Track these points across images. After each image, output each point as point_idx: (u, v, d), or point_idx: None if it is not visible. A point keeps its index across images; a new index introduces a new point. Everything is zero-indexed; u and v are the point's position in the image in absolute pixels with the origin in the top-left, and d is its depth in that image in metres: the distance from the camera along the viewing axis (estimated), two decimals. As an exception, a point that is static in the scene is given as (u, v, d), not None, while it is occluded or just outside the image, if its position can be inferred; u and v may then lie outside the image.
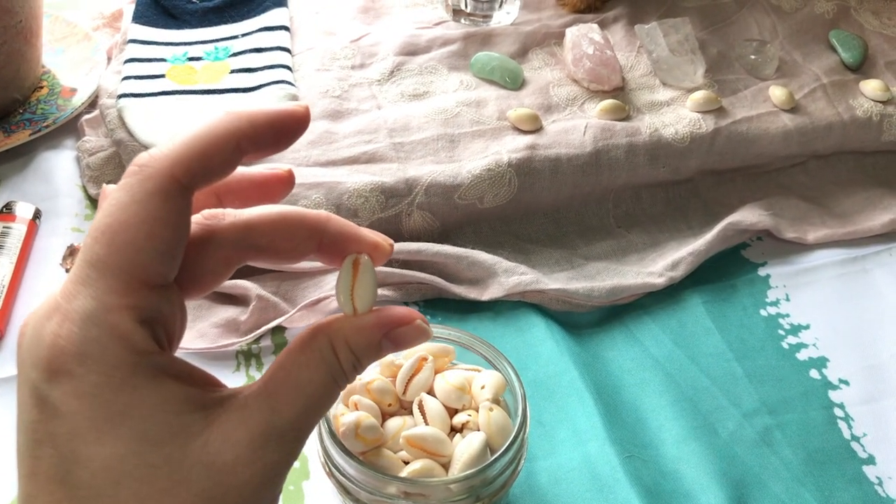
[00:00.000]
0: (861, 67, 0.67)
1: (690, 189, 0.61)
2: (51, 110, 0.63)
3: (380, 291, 0.50)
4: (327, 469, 0.37)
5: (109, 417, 0.22)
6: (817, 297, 0.54)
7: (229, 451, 0.23)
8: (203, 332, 0.49)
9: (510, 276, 0.52)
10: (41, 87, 0.65)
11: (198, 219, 0.26)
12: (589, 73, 0.62)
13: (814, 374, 0.49)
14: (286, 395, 0.25)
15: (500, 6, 0.69)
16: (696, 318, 0.52)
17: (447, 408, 0.38)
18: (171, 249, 0.24)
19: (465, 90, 0.62)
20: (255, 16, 0.68)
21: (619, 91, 0.63)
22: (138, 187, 0.23)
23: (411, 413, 0.38)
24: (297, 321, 0.50)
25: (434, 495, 0.35)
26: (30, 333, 0.23)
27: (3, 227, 0.53)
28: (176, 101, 0.60)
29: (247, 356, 0.49)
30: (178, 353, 0.25)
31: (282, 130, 0.26)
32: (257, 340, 0.49)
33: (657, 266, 0.54)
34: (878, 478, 0.44)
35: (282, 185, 0.28)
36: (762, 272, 0.56)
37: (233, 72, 0.62)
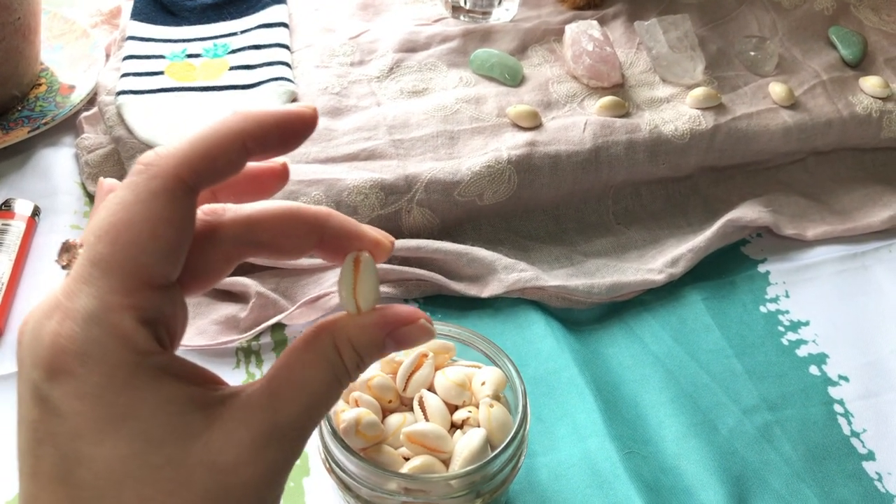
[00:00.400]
0: (860, 64, 0.67)
1: (690, 186, 0.61)
2: (49, 107, 0.63)
3: (380, 288, 0.50)
4: (328, 465, 0.37)
5: (111, 418, 0.22)
6: (817, 294, 0.54)
7: (231, 450, 0.23)
8: (203, 329, 0.49)
9: (510, 272, 0.52)
10: (40, 85, 0.65)
11: (198, 214, 0.26)
12: (588, 69, 0.62)
13: (813, 370, 0.49)
14: (289, 394, 0.25)
15: (500, 3, 0.69)
16: (695, 315, 0.52)
17: (447, 404, 0.38)
18: (175, 250, 0.24)
19: (464, 87, 0.62)
20: (254, 12, 0.67)
21: (619, 88, 0.63)
22: (143, 186, 0.23)
23: (412, 409, 0.38)
24: (297, 318, 0.50)
25: (434, 491, 0.35)
26: (30, 332, 0.23)
27: (2, 225, 0.53)
28: (175, 97, 0.60)
29: (247, 353, 0.49)
30: (178, 351, 0.25)
31: (289, 131, 0.25)
32: (257, 337, 0.49)
33: (657, 263, 0.54)
34: (877, 473, 0.44)
35: (276, 179, 0.28)
36: (762, 269, 0.56)
37: (232, 68, 0.62)
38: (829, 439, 0.45)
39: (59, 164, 0.60)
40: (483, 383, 0.38)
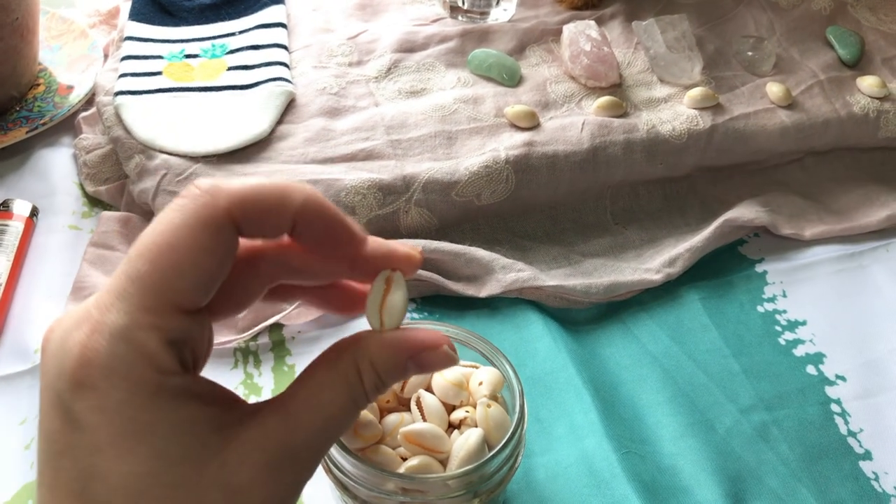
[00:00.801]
0: (858, 64, 0.67)
1: (688, 185, 0.61)
2: (48, 108, 0.63)
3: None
4: (325, 466, 0.37)
5: (130, 435, 0.22)
6: (814, 294, 0.54)
7: (245, 472, 0.23)
8: (201, 330, 0.49)
9: (508, 272, 0.52)
10: (38, 85, 0.65)
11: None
12: (586, 69, 0.62)
13: (811, 369, 0.49)
14: (305, 416, 0.25)
15: (498, 3, 0.69)
16: (693, 315, 0.52)
17: (445, 404, 0.38)
18: (211, 281, 0.24)
19: (462, 87, 0.62)
20: (252, 13, 0.68)
21: (617, 88, 0.63)
22: (193, 213, 0.23)
23: (409, 409, 0.38)
24: (295, 318, 0.50)
25: (432, 491, 0.35)
26: (57, 340, 0.23)
27: (1, 225, 0.53)
28: (173, 98, 0.60)
29: (245, 353, 0.49)
30: None
31: (333, 242, 0.26)
32: (255, 337, 0.49)
33: (654, 262, 0.54)
34: (874, 473, 0.44)
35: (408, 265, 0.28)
36: (759, 268, 0.56)
37: (230, 69, 0.62)
38: (826, 439, 0.45)
39: (57, 164, 0.60)
40: (480, 383, 0.38)
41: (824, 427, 0.46)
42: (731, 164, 0.61)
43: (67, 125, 0.63)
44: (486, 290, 0.52)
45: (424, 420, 0.37)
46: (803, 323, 0.52)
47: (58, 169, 0.59)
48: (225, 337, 0.49)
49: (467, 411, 0.37)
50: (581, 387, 0.46)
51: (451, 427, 0.38)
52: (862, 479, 0.44)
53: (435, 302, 0.52)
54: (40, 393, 0.24)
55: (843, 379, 0.49)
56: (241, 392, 0.47)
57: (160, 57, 0.63)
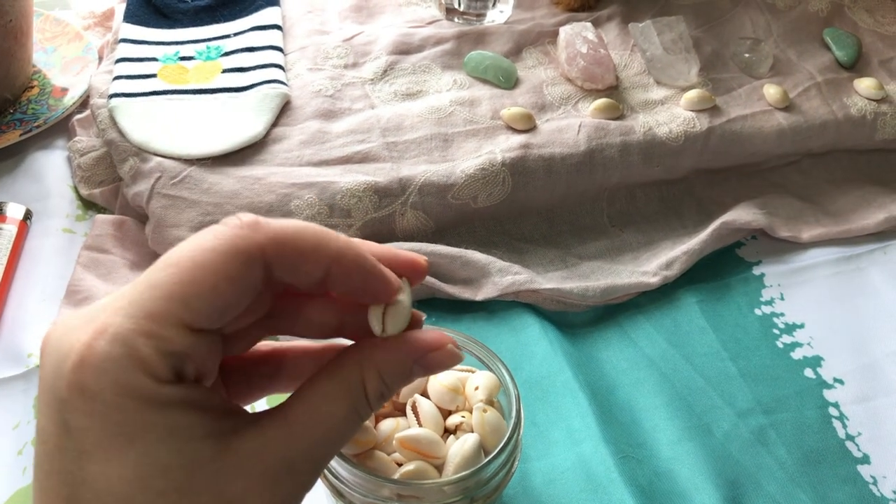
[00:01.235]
0: (855, 66, 0.67)
1: (685, 188, 0.61)
2: (42, 110, 0.62)
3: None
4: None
5: (118, 439, 0.22)
6: (812, 296, 0.54)
7: (240, 482, 0.23)
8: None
9: (504, 275, 0.51)
10: (32, 87, 0.65)
11: None
12: (583, 71, 0.62)
13: (808, 373, 0.49)
14: (305, 427, 0.24)
15: (494, 5, 0.69)
16: (690, 318, 0.52)
17: (440, 409, 0.37)
18: (225, 308, 0.24)
19: (458, 89, 0.62)
20: (247, 15, 0.67)
21: (613, 90, 0.63)
22: (227, 240, 0.23)
23: (404, 415, 0.38)
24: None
25: (428, 497, 0.34)
26: (58, 339, 0.23)
27: (-6, 228, 0.53)
28: (167, 100, 0.59)
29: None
30: None
31: (368, 295, 0.26)
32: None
33: (651, 265, 0.54)
34: (872, 477, 0.44)
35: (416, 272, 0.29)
36: (756, 271, 0.55)
37: (224, 71, 0.62)
38: (823, 443, 0.45)
39: (51, 167, 0.59)
40: (476, 388, 0.38)
41: (822, 431, 0.46)
42: (728, 167, 0.61)
43: (61, 128, 0.62)
44: (482, 294, 0.51)
45: (420, 425, 0.36)
46: (801, 326, 0.52)
47: (52, 172, 0.59)
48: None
49: (463, 416, 0.37)
50: (578, 390, 0.46)
51: (447, 432, 0.37)
52: (860, 483, 0.44)
53: (431, 305, 0.52)
54: (38, 393, 0.23)
55: (841, 382, 0.49)
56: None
57: (155, 59, 0.63)
